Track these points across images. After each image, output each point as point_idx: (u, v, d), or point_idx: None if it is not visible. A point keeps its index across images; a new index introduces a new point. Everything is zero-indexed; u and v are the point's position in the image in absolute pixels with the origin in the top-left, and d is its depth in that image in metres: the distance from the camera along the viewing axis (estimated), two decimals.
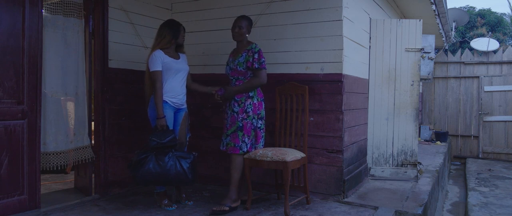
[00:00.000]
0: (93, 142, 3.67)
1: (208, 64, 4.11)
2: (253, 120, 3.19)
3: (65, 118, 3.44)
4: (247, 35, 3.26)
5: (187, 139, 3.45)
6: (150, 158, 3.02)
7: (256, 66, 3.15)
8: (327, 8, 3.46)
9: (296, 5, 3.60)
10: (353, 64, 3.73)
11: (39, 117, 3.08)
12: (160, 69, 3.14)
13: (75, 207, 3.27)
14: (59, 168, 3.39)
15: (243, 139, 3.16)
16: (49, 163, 3.29)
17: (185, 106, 3.37)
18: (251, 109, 3.17)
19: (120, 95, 3.74)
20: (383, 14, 4.95)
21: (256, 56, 3.17)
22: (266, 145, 3.50)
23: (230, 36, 3.31)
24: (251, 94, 3.20)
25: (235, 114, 3.18)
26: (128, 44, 3.81)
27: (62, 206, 3.26)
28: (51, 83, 3.31)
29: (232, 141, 3.17)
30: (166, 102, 3.17)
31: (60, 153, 3.36)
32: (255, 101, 3.21)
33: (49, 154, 3.29)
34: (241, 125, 3.15)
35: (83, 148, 3.53)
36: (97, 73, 3.61)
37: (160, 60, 3.15)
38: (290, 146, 3.39)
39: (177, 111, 3.30)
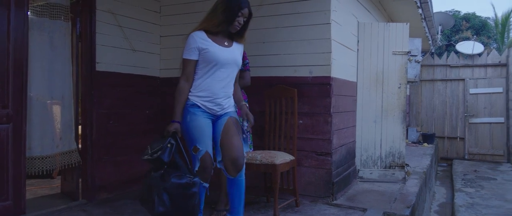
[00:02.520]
0: (80, 146, 3.62)
1: None
2: (241, 122, 3.12)
3: (51, 122, 3.39)
4: None
5: (245, 156, 2.56)
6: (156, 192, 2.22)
7: (242, 68, 3.09)
8: (316, 11, 3.49)
9: (285, 8, 3.62)
10: (341, 67, 3.76)
11: (24, 121, 3.02)
12: (195, 58, 2.39)
13: (62, 213, 3.22)
14: (45, 172, 3.33)
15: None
16: (35, 168, 3.24)
17: (231, 109, 2.54)
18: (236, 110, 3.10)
19: (108, 98, 3.70)
20: (370, 17, 5.01)
21: (246, 61, 3.14)
22: (255, 148, 3.50)
23: None
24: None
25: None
26: (116, 47, 3.78)
27: (48, 212, 3.21)
28: (37, 86, 3.26)
29: None
30: (197, 105, 2.40)
31: (46, 158, 3.31)
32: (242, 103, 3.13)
33: (35, 159, 3.24)
34: None
35: (69, 152, 3.48)
36: (84, 76, 3.57)
37: (196, 46, 2.37)
38: (279, 149, 3.40)
39: (216, 118, 2.47)
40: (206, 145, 2.40)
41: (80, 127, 3.65)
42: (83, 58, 3.57)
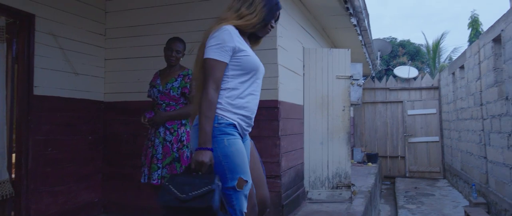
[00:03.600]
0: (13, 176, 3.35)
1: (144, 91, 4.00)
2: (187, 149, 2.97)
3: None
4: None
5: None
6: None
7: (193, 92, 3.05)
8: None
9: None
10: (288, 91, 3.86)
11: None
12: (227, 61, 1.78)
13: None
14: None
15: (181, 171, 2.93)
16: None
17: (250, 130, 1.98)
18: (185, 138, 2.96)
19: (46, 124, 3.49)
20: (315, 43, 5.24)
21: (194, 83, 3.11)
22: None
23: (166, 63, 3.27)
24: (183, 122, 2.97)
25: (168, 143, 2.88)
26: (56, 70, 3.60)
27: None
28: None
29: (168, 174, 2.85)
30: (234, 125, 1.79)
31: None
32: (189, 129, 3.02)
33: None
34: (177, 155, 2.88)
35: (1, 183, 3.20)
36: (20, 100, 3.35)
37: (233, 45, 1.78)
38: None
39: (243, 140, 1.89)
40: (249, 176, 1.79)
41: (13, 155, 3.39)
42: (19, 81, 3.35)
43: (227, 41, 1.75)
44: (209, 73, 1.72)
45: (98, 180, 4.00)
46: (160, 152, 2.87)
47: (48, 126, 3.50)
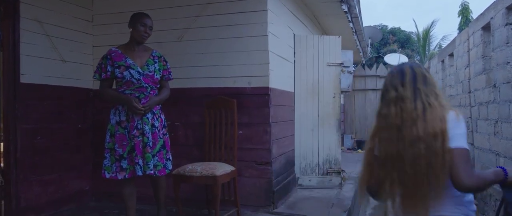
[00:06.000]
0: (2, 165, 3.32)
1: None
2: (167, 134, 2.92)
3: None
4: None
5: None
6: None
7: (170, 77, 2.97)
8: (253, 23, 3.56)
9: (223, 20, 3.65)
10: (279, 78, 3.86)
11: None
12: None
13: None
14: None
15: (167, 157, 2.87)
16: None
17: None
18: (165, 123, 2.91)
19: (35, 112, 3.44)
20: (306, 30, 5.22)
21: (168, 65, 2.95)
22: (195, 160, 3.45)
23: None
24: (160, 106, 2.89)
25: (156, 129, 2.77)
26: (43, 58, 3.54)
27: None
28: None
29: (160, 162, 2.79)
30: None
31: None
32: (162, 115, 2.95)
33: None
34: (163, 141, 2.82)
35: None
36: (7, 88, 3.29)
37: None
38: (220, 160, 3.38)
39: None
40: None
41: (1, 144, 3.35)
42: (5, 69, 3.29)
43: None
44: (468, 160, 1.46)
45: (88, 169, 3.98)
46: (151, 139, 2.74)
47: (36, 115, 3.46)
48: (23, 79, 3.35)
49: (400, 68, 1.59)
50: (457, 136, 1.44)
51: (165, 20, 3.81)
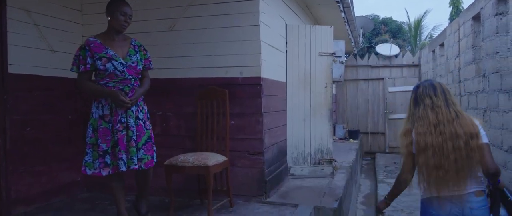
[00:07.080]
0: None
1: None
2: (150, 125, 2.87)
3: None
4: None
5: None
6: None
7: (150, 66, 2.89)
8: (245, 13, 3.54)
9: (215, 9, 3.62)
10: (271, 68, 3.85)
11: None
12: None
13: None
14: None
15: (154, 148, 2.80)
16: None
17: None
18: (148, 114, 2.84)
19: (24, 103, 3.40)
20: (298, 20, 5.20)
21: (148, 54, 2.85)
22: (187, 150, 3.45)
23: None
24: (142, 97, 2.80)
25: (141, 121, 2.70)
26: (32, 47, 3.48)
27: None
28: None
29: (147, 154, 2.72)
30: None
31: None
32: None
33: None
34: (150, 133, 2.77)
35: None
36: None
37: None
38: (212, 150, 3.39)
39: None
40: None
41: None
42: None
43: None
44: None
45: (79, 160, 3.94)
46: (136, 132, 2.66)
47: (26, 106, 3.42)
48: (11, 70, 3.29)
49: (431, 83, 2.16)
50: (484, 136, 2.04)
51: (156, 10, 3.77)
